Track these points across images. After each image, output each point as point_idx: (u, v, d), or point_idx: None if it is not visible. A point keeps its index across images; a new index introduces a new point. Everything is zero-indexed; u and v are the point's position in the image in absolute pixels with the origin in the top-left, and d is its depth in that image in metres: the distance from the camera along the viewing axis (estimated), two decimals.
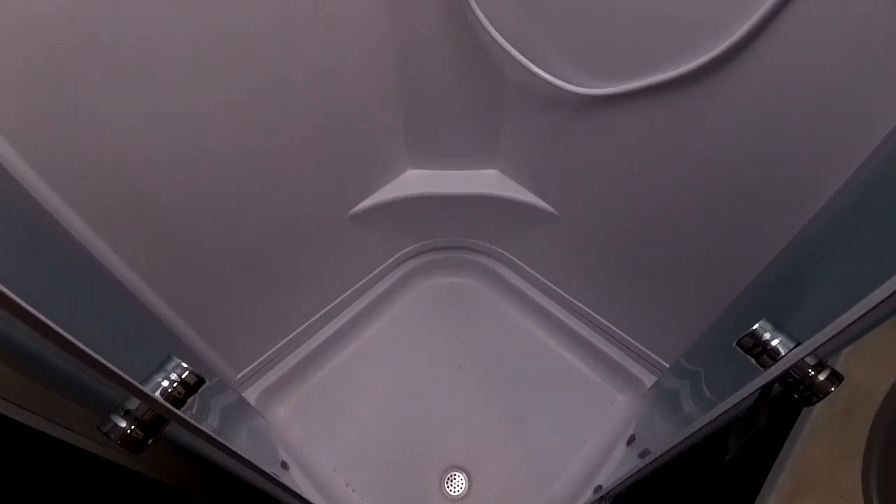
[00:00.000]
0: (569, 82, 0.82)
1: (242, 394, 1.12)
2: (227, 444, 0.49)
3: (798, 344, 0.43)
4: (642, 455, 0.85)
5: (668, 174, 0.82)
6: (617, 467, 1.04)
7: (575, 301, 1.25)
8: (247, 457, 0.53)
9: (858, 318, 0.34)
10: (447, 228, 1.34)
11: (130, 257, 0.75)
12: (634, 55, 0.73)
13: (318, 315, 1.23)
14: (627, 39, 0.72)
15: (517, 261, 1.34)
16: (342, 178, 1.04)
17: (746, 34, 0.59)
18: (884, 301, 0.32)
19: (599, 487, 0.96)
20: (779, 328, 0.45)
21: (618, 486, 0.80)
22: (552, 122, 0.94)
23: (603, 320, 1.21)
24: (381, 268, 1.34)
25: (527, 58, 0.83)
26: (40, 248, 0.57)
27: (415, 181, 1.19)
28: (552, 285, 1.29)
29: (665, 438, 0.69)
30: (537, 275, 1.31)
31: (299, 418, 1.20)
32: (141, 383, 0.37)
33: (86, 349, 0.32)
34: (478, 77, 0.95)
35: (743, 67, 0.63)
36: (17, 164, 0.57)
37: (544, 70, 0.83)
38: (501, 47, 0.83)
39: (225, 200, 0.83)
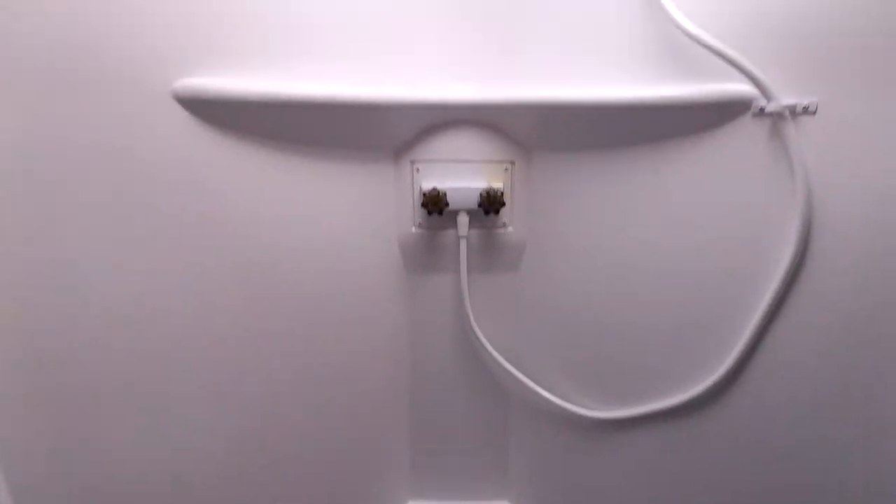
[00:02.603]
0: (574, 404, 0.87)
1: None
2: None
3: None
4: None
5: (680, 495, 0.83)
6: None
7: None
8: None
9: None
10: None
11: None
12: (637, 385, 0.82)
13: None
14: (630, 369, 0.82)
15: None
16: None
17: (733, 365, 0.68)
18: None
19: None
20: None
21: None
22: (560, 444, 0.94)
23: None
24: None
25: (532, 380, 0.88)
26: None
27: None
28: None
29: None
30: None
31: None
32: None
33: None
34: (485, 402, 0.96)
35: (735, 394, 0.72)
36: None
37: (549, 392, 0.88)
38: (505, 369, 0.88)
39: None
